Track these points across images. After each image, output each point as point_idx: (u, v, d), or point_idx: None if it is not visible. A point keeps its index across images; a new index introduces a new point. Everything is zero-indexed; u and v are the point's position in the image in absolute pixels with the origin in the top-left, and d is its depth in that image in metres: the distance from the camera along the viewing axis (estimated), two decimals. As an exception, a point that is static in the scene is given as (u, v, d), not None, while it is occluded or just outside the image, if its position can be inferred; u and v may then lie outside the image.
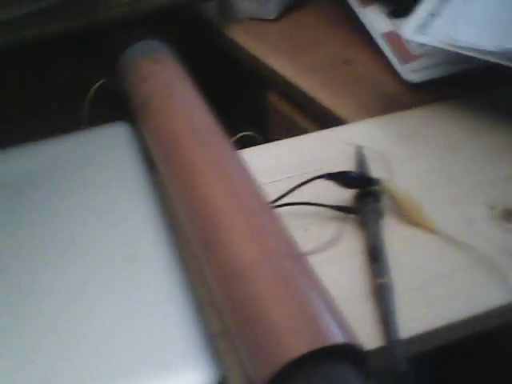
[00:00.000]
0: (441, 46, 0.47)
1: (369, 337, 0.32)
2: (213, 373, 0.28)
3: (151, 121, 0.40)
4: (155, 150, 0.40)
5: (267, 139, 0.49)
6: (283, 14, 0.66)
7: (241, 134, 0.44)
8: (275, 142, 0.46)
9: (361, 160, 0.43)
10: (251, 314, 0.28)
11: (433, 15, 0.50)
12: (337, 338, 0.26)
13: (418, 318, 0.33)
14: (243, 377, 0.30)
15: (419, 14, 0.50)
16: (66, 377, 0.28)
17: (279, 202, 0.38)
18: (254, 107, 0.64)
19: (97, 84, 0.45)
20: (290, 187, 0.40)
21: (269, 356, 0.26)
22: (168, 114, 0.39)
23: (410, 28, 0.49)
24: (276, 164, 0.44)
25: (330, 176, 0.39)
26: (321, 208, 0.39)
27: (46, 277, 0.32)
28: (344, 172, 0.39)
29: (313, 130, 0.51)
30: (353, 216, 0.39)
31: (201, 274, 0.33)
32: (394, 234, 0.38)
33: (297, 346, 0.26)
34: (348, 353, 0.27)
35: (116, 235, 0.34)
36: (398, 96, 0.54)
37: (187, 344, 0.29)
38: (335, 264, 0.36)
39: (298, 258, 0.30)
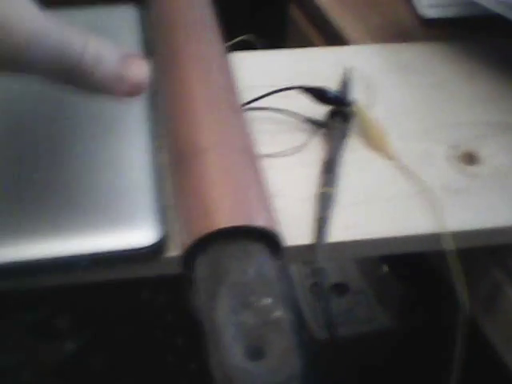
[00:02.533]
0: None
1: (300, 234, 0.36)
2: (157, 231, 0.33)
3: (156, 8, 0.43)
4: (154, 40, 0.43)
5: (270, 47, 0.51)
6: None
7: (241, 38, 0.46)
8: (273, 51, 0.49)
9: (345, 81, 0.45)
10: (192, 191, 0.32)
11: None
12: (258, 221, 0.31)
13: (348, 228, 0.37)
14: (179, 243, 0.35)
15: None
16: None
17: (252, 105, 0.41)
18: (274, 16, 0.65)
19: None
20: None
21: (199, 224, 0.31)
22: (170, 5, 0.42)
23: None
24: (263, 72, 0.46)
25: (307, 89, 0.41)
26: (292, 118, 0.42)
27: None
28: (321, 88, 0.41)
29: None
30: (321, 131, 0.42)
31: (167, 153, 0.38)
32: (353, 154, 0.41)
33: (221, 219, 0.30)
34: (267, 239, 0.32)
35: (103, 107, 0.38)
36: (410, 28, 0.54)
37: (141, 202, 0.34)
38: (293, 169, 0.40)
39: (245, 151, 0.34)
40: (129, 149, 0.37)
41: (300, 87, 0.41)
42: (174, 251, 0.34)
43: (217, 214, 0.30)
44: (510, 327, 0.43)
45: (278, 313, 0.29)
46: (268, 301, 0.29)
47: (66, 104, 0.38)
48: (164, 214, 0.34)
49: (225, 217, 0.30)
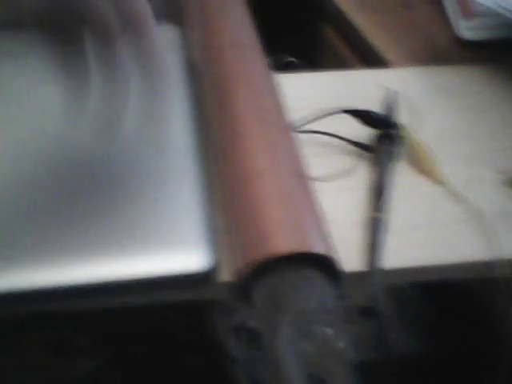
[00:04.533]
0: (499, 10, 0.47)
1: (352, 261, 0.35)
2: (209, 257, 0.32)
3: (199, 28, 0.43)
4: (199, 59, 0.42)
5: (311, 69, 0.50)
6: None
7: (287, 60, 0.46)
8: (314, 73, 0.48)
9: (390, 103, 0.44)
10: (249, 215, 0.31)
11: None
12: (317, 248, 0.30)
13: (401, 254, 0.36)
14: (232, 267, 0.34)
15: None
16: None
17: (301, 128, 0.41)
18: (308, 36, 0.65)
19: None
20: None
21: (256, 250, 0.30)
22: (215, 26, 0.41)
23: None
24: (308, 93, 0.46)
25: (354, 112, 0.41)
26: (340, 141, 0.41)
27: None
28: (369, 111, 0.41)
29: (357, 68, 0.53)
30: (368, 154, 0.41)
31: (218, 177, 0.37)
32: (403, 178, 0.40)
33: (280, 245, 0.29)
34: (326, 266, 0.31)
35: (151, 125, 0.38)
36: (448, 50, 0.54)
37: (192, 227, 0.33)
38: (342, 193, 0.39)
39: (301, 176, 0.33)
40: (179, 173, 0.36)
41: (348, 110, 0.41)
42: (224, 276, 0.33)
43: (275, 239, 0.30)
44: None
45: (341, 344, 0.28)
46: (330, 331, 0.28)
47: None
48: (215, 239, 0.33)
49: (284, 242, 0.30)
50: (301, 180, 0.33)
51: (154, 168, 0.36)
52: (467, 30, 0.55)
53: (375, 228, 0.36)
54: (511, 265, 0.36)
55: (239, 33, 0.42)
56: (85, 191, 0.34)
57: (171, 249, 0.33)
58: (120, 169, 0.36)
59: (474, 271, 0.37)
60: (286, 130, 0.36)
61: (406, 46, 0.54)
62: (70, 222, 0.33)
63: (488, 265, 0.36)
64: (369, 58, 0.56)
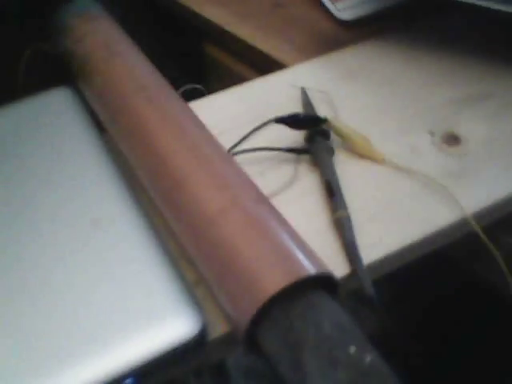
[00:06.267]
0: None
1: (335, 266, 0.33)
2: (195, 320, 0.29)
3: (94, 82, 0.39)
4: (102, 112, 0.39)
5: (209, 90, 0.48)
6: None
7: (186, 87, 0.44)
8: (220, 93, 0.47)
9: (306, 101, 0.44)
10: (226, 259, 0.29)
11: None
12: (311, 269, 0.28)
13: (377, 244, 0.35)
14: (225, 322, 0.31)
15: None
16: (45, 338, 0.28)
17: (234, 150, 0.39)
18: (192, 60, 0.63)
19: (29, 50, 0.43)
20: (242, 135, 0.40)
21: (249, 296, 0.27)
22: (111, 73, 0.38)
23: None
24: (224, 114, 0.44)
25: (280, 119, 0.39)
26: (275, 152, 0.40)
27: (13, 248, 0.32)
28: (292, 114, 0.40)
29: (252, 77, 0.52)
30: (306, 156, 0.40)
31: (168, 230, 0.34)
32: (346, 169, 0.40)
33: (274, 281, 0.27)
34: (321, 283, 0.29)
35: (79, 200, 0.34)
36: (334, 35, 0.54)
37: (166, 295, 0.30)
38: (294, 203, 0.38)
39: (263, 201, 0.31)
40: (130, 249, 0.32)
41: (273, 120, 0.39)
42: (215, 333, 0.31)
43: (266, 280, 0.27)
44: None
45: (368, 357, 0.26)
46: (353, 349, 0.27)
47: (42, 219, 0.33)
48: (195, 298, 0.30)
49: (276, 279, 0.27)
50: (263, 205, 0.31)
51: (100, 255, 0.32)
52: (342, 11, 0.55)
53: (343, 227, 0.35)
54: (479, 217, 0.37)
55: (141, 74, 0.39)
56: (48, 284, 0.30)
57: (157, 325, 0.29)
58: (74, 268, 0.31)
59: (447, 236, 0.37)
60: (226, 158, 0.34)
61: (293, 43, 0.54)
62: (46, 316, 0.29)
63: (457, 225, 0.37)
64: (260, 65, 0.55)
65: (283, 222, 0.31)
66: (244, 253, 0.28)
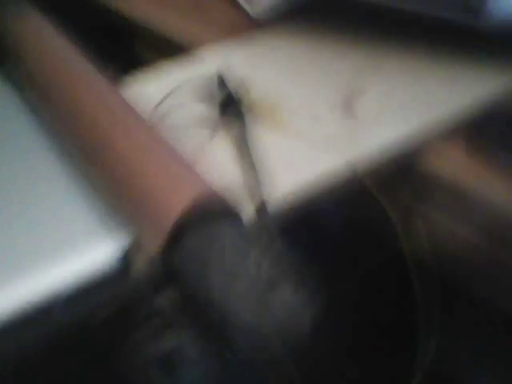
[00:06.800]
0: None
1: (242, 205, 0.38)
2: (117, 246, 0.33)
3: (25, 62, 0.43)
4: (36, 94, 0.43)
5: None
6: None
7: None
8: (140, 76, 0.51)
9: (221, 78, 0.49)
10: (141, 189, 0.34)
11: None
12: (217, 194, 0.33)
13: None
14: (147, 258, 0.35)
15: None
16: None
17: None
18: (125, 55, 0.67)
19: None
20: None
21: (163, 219, 0.32)
22: (41, 54, 0.43)
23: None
24: (145, 96, 0.48)
25: (194, 89, 0.45)
26: (191, 125, 0.45)
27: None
28: (207, 86, 0.45)
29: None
30: (220, 127, 0.46)
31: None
32: (257, 136, 0.45)
33: (183, 201, 0.32)
34: (225, 215, 0.34)
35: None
36: (245, 20, 0.59)
37: (87, 223, 0.34)
38: (210, 164, 0.42)
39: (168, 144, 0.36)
40: (50, 180, 0.36)
41: (192, 88, 0.44)
42: (138, 265, 0.35)
43: (176, 203, 0.32)
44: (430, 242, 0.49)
45: (266, 271, 0.31)
46: (252, 263, 0.31)
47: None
48: (117, 226, 0.34)
49: (185, 200, 0.32)
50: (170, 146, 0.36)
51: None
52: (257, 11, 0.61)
53: (248, 171, 0.40)
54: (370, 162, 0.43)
55: (69, 57, 0.43)
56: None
57: (79, 251, 0.33)
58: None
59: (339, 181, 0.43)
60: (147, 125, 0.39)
61: (204, 28, 0.58)
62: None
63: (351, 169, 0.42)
64: (174, 51, 0.58)
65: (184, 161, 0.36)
66: (159, 183, 0.33)
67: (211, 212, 0.33)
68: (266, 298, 0.30)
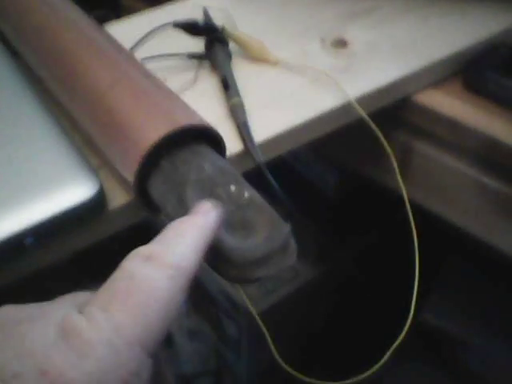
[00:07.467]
0: None
1: (230, 145, 0.36)
2: (91, 184, 0.31)
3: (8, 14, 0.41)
4: (18, 38, 0.41)
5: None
6: None
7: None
8: (129, 17, 0.49)
9: (206, 14, 0.47)
10: (115, 122, 0.32)
11: None
12: (191, 120, 0.31)
13: (268, 125, 0.38)
14: (125, 193, 0.34)
15: None
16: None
17: (139, 58, 0.41)
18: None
19: None
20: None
21: (136, 147, 0.30)
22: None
23: None
24: (133, 34, 0.46)
25: (178, 24, 0.42)
26: (177, 59, 0.43)
27: None
28: (191, 21, 0.43)
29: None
30: (206, 62, 0.43)
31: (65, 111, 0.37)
32: (243, 70, 0.43)
33: (157, 130, 0.30)
34: (206, 138, 0.32)
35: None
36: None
37: (63, 162, 0.32)
38: (195, 102, 0.40)
39: (149, 75, 0.34)
40: (28, 124, 0.34)
41: (171, 23, 0.42)
42: (116, 203, 0.33)
43: (150, 130, 0.30)
44: (427, 180, 0.47)
45: (246, 193, 0.29)
46: (233, 187, 0.30)
47: None
48: (91, 166, 0.33)
49: (159, 128, 0.30)
50: (149, 78, 0.34)
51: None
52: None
53: (236, 111, 0.38)
54: (363, 103, 0.41)
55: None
56: None
57: (53, 188, 0.31)
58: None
59: (332, 120, 0.41)
60: (127, 55, 0.37)
61: None
62: None
63: (340, 110, 0.40)
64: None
65: (169, 92, 0.34)
66: (131, 114, 0.31)
67: (190, 135, 0.31)
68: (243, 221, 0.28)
